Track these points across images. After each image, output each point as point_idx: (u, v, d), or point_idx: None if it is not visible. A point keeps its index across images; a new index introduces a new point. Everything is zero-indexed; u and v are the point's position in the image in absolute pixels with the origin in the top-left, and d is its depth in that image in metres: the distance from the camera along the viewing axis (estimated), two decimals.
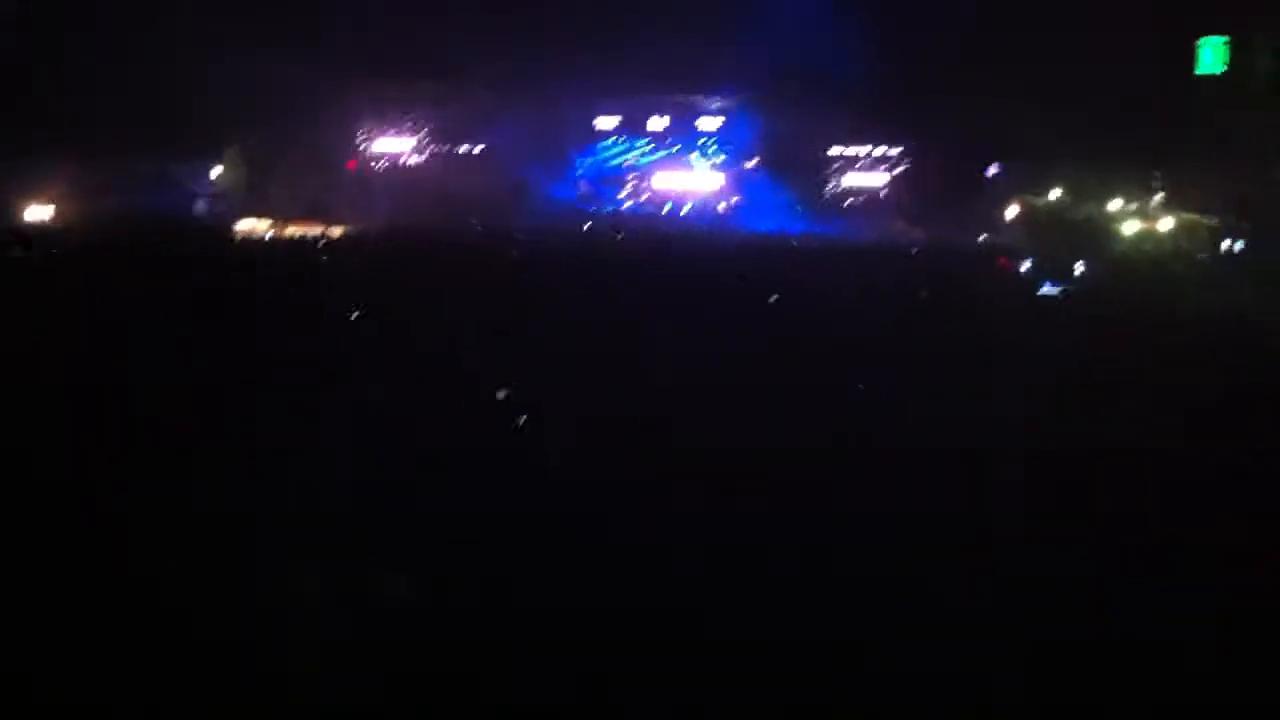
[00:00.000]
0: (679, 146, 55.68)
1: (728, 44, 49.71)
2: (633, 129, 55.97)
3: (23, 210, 45.52)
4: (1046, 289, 24.26)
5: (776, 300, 22.55)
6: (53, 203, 47.71)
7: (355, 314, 19.54)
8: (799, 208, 51.65)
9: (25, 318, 17.25)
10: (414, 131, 56.83)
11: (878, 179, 55.47)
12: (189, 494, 9.27)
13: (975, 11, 47.29)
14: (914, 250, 38.52)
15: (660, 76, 51.61)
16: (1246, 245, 39.32)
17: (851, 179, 55.53)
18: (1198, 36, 46.45)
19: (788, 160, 53.36)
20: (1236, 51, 46.01)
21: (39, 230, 42.47)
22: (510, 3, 48.76)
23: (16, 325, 16.47)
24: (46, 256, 30.50)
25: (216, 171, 51.57)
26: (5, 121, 42.42)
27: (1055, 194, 50.56)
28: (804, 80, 47.96)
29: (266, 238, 47.51)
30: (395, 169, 56.55)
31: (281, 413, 11.85)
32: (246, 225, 48.23)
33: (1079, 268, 32.45)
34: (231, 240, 44.60)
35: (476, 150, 56.03)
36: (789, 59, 47.32)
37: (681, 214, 53.90)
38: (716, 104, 55.31)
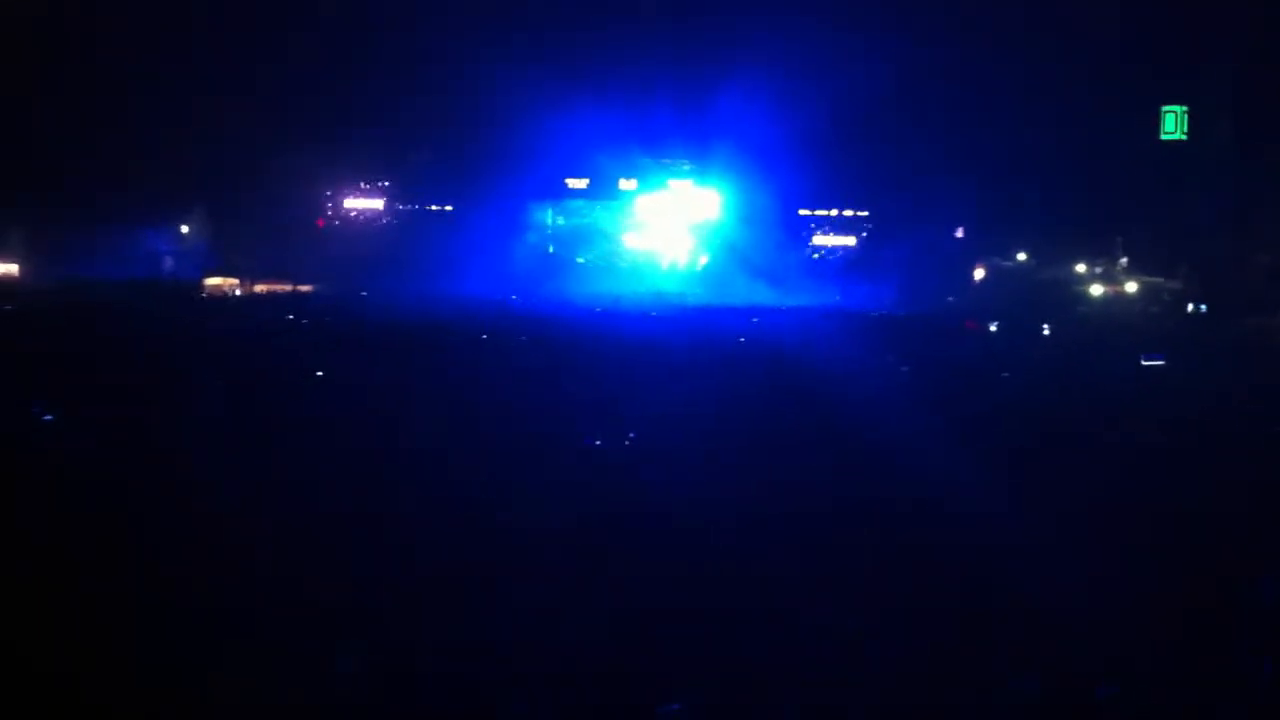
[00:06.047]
0: (647, 206, 55.82)
1: (698, 107, 50.25)
2: (602, 190, 56.11)
3: None
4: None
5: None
6: (16, 261, 47.32)
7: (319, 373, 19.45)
8: (766, 269, 51.57)
9: None
10: (384, 191, 56.83)
11: (845, 240, 55.82)
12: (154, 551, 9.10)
13: (941, 79, 48.11)
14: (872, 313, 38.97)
15: (630, 138, 51.93)
16: (1210, 309, 39.72)
17: (819, 240, 55.89)
18: (1160, 105, 47.27)
19: (755, 222, 53.57)
20: (1197, 119, 46.85)
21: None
22: (475, 63, 48.92)
23: None
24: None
25: (185, 229, 51.21)
26: None
27: (1020, 257, 51.05)
28: (773, 144, 48.55)
29: (234, 294, 47.27)
30: (365, 226, 56.40)
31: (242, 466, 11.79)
32: (214, 282, 47.93)
33: (1046, 329, 32.83)
34: (198, 297, 44.39)
35: (446, 209, 56.17)
36: (759, 123, 47.83)
37: (650, 275, 53.79)
38: (686, 166, 55.55)
